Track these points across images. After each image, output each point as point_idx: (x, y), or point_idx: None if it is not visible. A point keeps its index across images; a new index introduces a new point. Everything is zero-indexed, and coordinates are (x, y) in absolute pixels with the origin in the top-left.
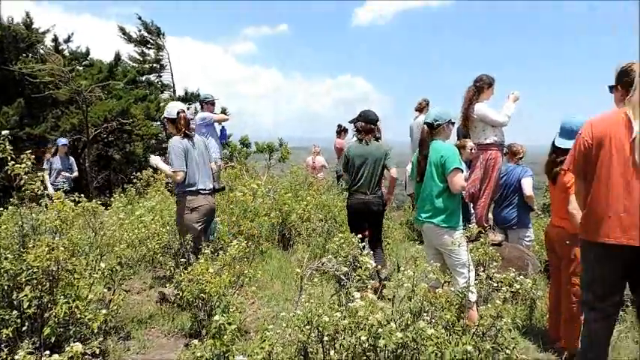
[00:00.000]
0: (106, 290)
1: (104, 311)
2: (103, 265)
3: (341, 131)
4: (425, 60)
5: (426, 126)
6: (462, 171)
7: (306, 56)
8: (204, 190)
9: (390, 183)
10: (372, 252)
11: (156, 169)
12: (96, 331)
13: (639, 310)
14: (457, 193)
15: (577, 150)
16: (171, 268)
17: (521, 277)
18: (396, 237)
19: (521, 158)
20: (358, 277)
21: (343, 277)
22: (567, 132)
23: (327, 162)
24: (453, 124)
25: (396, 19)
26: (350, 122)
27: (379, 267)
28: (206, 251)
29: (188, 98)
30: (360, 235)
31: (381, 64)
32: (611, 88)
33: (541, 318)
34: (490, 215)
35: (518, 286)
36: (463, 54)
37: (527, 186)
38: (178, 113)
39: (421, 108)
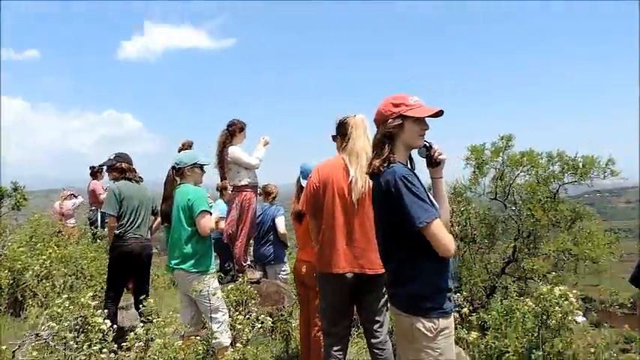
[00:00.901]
0: None
1: None
2: None
3: (96, 172)
4: (195, 99)
5: (170, 169)
6: (211, 213)
7: (63, 87)
8: None
9: (156, 227)
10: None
11: None
12: None
13: (366, 329)
14: (206, 236)
15: (308, 192)
16: None
17: (263, 315)
18: (160, 284)
19: (274, 198)
20: (88, 343)
21: (60, 347)
22: (307, 174)
23: (80, 206)
24: (201, 167)
25: (165, 56)
26: (102, 165)
27: None
28: None
29: None
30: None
31: (152, 101)
32: (334, 138)
33: (296, 348)
34: (251, 253)
35: (259, 325)
36: (232, 97)
37: (281, 224)
38: None
39: (184, 149)
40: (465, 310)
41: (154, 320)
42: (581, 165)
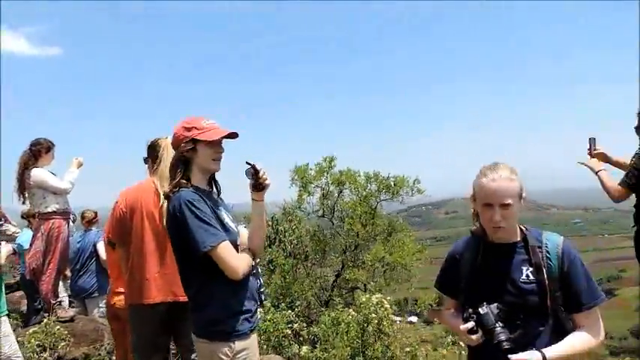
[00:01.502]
0: None
1: None
2: None
3: None
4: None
5: None
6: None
7: None
8: None
9: None
10: None
11: None
12: None
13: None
14: None
15: (114, 217)
16: None
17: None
18: None
19: (93, 223)
20: None
21: None
22: None
23: None
24: None
25: None
26: None
27: None
28: None
29: None
30: None
31: None
32: (145, 160)
33: None
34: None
35: None
36: (50, 111)
37: (103, 250)
38: None
39: None
40: (297, 325)
41: None
42: (393, 184)
